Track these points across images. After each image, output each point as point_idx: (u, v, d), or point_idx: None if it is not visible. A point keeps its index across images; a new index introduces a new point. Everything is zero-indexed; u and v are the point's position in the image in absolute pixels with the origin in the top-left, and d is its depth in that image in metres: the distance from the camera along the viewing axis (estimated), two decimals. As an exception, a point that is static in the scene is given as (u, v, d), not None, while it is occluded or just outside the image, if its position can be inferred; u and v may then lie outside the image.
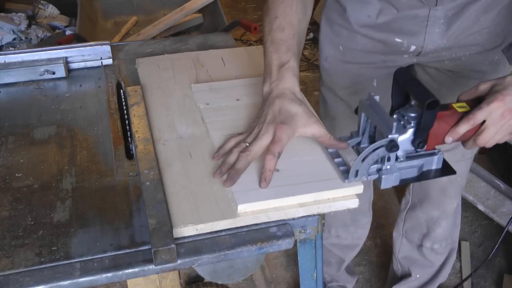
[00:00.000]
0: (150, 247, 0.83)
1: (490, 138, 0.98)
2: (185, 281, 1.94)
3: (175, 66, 1.36)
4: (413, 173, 1.00)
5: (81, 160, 1.07)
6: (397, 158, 0.97)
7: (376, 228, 2.39)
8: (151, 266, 0.84)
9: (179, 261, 0.85)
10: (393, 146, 0.91)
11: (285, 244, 0.91)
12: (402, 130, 0.97)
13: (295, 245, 0.95)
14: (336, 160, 1.01)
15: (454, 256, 1.91)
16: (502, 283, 2.14)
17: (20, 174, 1.04)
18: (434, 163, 1.00)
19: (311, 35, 3.82)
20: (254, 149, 0.97)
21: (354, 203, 0.95)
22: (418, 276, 1.94)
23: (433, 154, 1.00)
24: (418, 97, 0.93)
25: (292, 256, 2.27)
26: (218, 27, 2.70)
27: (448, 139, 0.98)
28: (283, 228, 0.92)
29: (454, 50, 1.35)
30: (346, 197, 0.95)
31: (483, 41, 1.34)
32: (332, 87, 1.52)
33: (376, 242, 2.36)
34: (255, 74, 1.30)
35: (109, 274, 0.84)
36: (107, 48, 1.40)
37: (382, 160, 0.95)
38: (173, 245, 0.82)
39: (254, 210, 0.91)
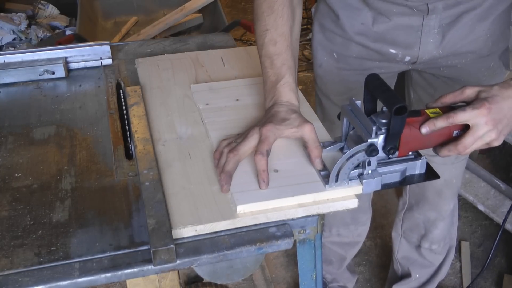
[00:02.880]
0: (149, 247, 0.83)
1: (472, 143, 0.95)
2: (184, 281, 1.94)
3: (174, 66, 1.36)
4: (396, 177, 0.98)
5: (80, 160, 1.07)
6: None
7: (376, 228, 2.39)
8: (150, 266, 0.84)
9: (178, 261, 0.85)
10: (372, 150, 0.90)
11: (284, 244, 0.91)
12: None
13: (294, 245, 0.95)
14: None
15: (452, 254, 1.91)
16: (502, 283, 2.14)
17: (19, 174, 1.04)
18: (417, 168, 0.99)
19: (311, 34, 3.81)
20: (241, 149, 0.97)
21: (353, 203, 0.95)
22: (417, 276, 1.94)
23: (416, 158, 0.99)
24: (386, 103, 0.92)
25: (292, 256, 2.27)
26: (218, 27, 2.70)
27: (424, 129, 0.95)
28: (283, 228, 0.92)
29: (449, 58, 1.34)
30: (346, 198, 0.94)
31: (478, 49, 1.32)
32: (327, 94, 1.51)
33: (376, 242, 2.36)
34: (254, 74, 1.30)
35: (108, 274, 0.84)
36: (107, 48, 1.40)
37: (363, 165, 0.94)
38: (172, 245, 0.82)
39: (253, 210, 0.91)
